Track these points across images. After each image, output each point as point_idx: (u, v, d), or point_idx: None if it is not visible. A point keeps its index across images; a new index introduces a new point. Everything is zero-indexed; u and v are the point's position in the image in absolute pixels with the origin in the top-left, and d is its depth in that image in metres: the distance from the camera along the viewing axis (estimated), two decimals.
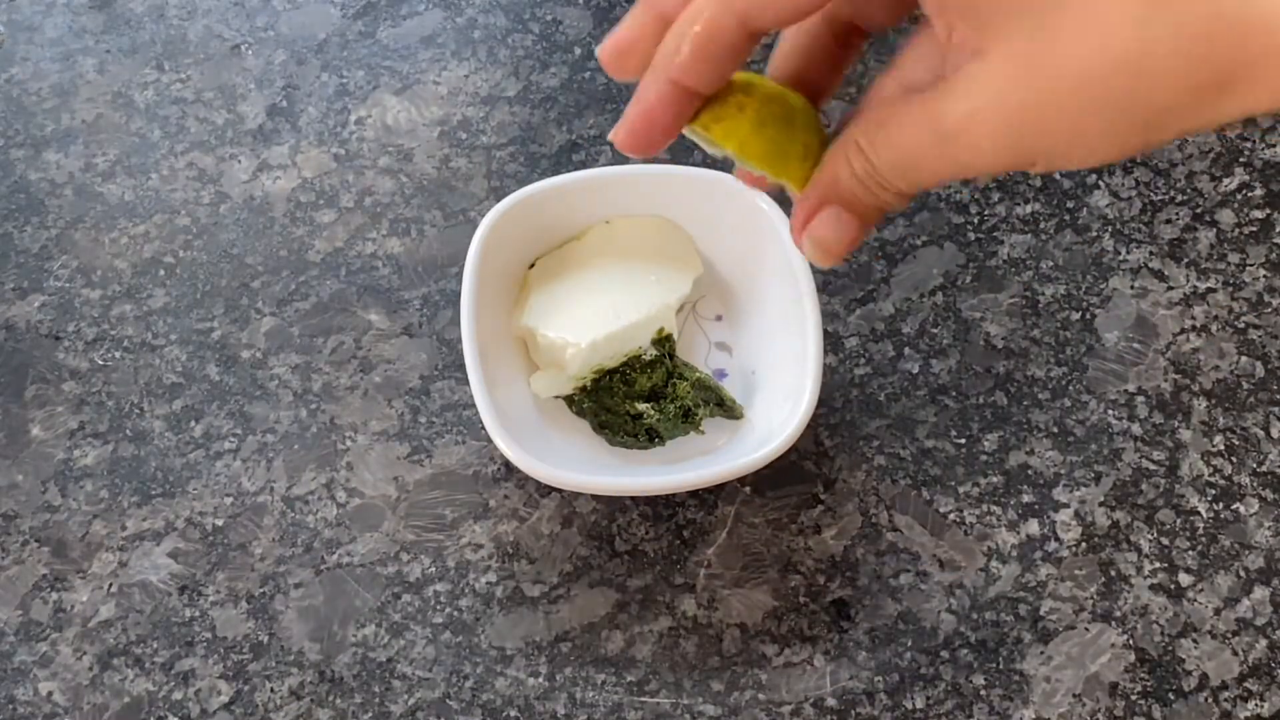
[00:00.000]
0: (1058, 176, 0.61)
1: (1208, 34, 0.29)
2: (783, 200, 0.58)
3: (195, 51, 0.67)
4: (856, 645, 0.50)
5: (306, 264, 0.59)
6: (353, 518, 0.53)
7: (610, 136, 0.34)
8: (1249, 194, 0.60)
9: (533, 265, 0.56)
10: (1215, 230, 0.59)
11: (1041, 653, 0.49)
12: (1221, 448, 0.54)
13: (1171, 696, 0.48)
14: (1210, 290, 0.58)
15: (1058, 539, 0.52)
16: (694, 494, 0.53)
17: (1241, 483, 0.53)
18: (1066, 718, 0.48)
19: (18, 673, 0.50)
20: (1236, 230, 0.59)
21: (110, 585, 0.52)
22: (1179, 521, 0.52)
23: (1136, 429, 0.54)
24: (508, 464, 0.53)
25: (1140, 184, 0.61)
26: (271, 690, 0.49)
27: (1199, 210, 0.60)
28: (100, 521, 0.53)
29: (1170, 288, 0.58)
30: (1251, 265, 0.58)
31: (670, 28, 0.32)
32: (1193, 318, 0.57)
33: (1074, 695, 0.48)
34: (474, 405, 0.51)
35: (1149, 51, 0.28)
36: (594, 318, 0.53)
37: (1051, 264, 0.58)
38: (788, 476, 0.53)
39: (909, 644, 0.50)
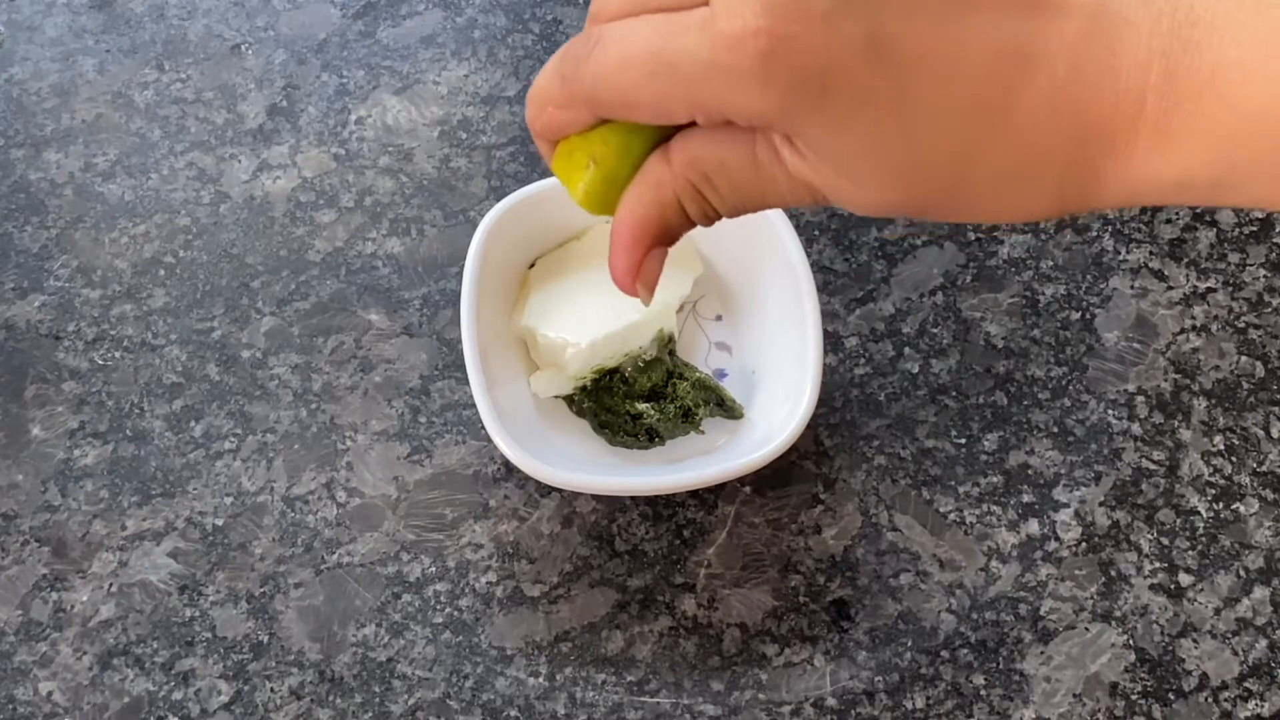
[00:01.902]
0: None
1: (1059, 209, 0.30)
2: None
3: (195, 51, 0.67)
4: (856, 645, 0.50)
5: (306, 264, 0.59)
6: (353, 518, 0.53)
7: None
8: None
9: (533, 265, 0.56)
10: (1215, 230, 0.59)
11: (1041, 653, 0.49)
12: (1221, 448, 0.54)
13: (1171, 696, 0.48)
14: (1210, 290, 0.58)
15: (1058, 539, 0.52)
16: (694, 494, 0.53)
17: (1241, 483, 0.53)
18: (1066, 718, 0.48)
19: (18, 673, 0.50)
20: (1236, 230, 0.59)
21: (110, 585, 0.52)
22: (1179, 521, 0.52)
23: (1136, 429, 0.54)
24: (508, 464, 0.53)
25: None
26: (271, 690, 0.49)
27: (1199, 210, 0.60)
28: (100, 521, 0.53)
29: (1170, 288, 0.58)
30: (1251, 265, 0.58)
31: (542, 76, 0.33)
32: (1193, 317, 0.57)
33: (1074, 695, 0.48)
34: (474, 405, 0.51)
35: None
36: (594, 318, 0.53)
37: (1051, 264, 0.58)
38: (788, 476, 0.53)
39: (909, 644, 0.50)
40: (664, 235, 0.33)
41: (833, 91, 0.28)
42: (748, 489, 0.53)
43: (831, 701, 0.49)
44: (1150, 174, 0.29)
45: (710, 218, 0.33)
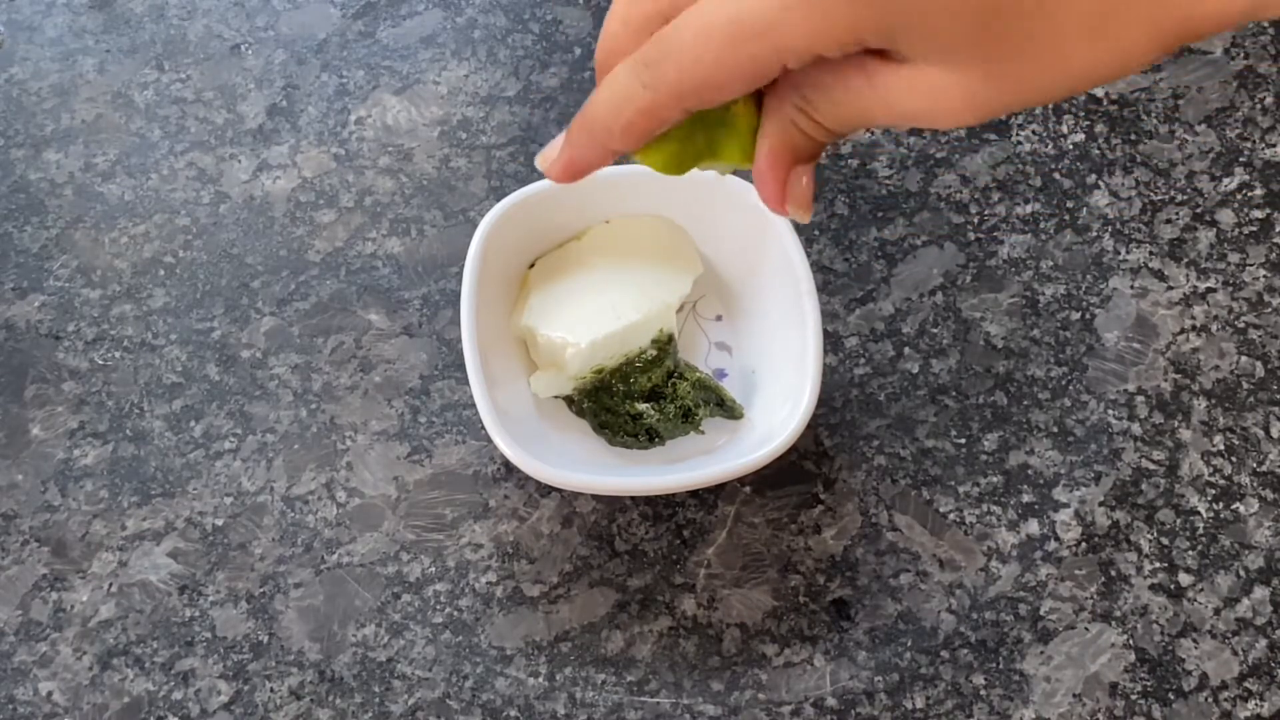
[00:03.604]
0: (1057, 177, 0.61)
1: (1160, 46, 0.29)
2: None
3: (195, 51, 0.67)
4: (856, 645, 0.50)
5: (306, 264, 0.60)
6: (353, 518, 0.53)
7: (540, 165, 0.36)
8: (1249, 194, 0.60)
9: (533, 265, 0.56)
10: (1215, 230, 0.59)
11: (1041, 653, 0.49)
12: (1221, 448, 0.54)
13: (1171, 696, 0.48)
14: (1210, 290, 0.58)
15: (1058, 539, 0.52)
16: (694, 494, 0.53)
17: (1241, 483, 0.53)
18: (1066, 718, 0.48)
19: (18, 673, 0.50)
20: (1236, 230, 0.59)
21: (110, 585, 0.52)
22: (1179, 521, 0.52)
23: (1136, 429, 0.54)
24: (508, 464, 0.53)
25: (1140, 184, 0.61)
26: (271, 690, 0.49)
27: (1199, 210, 0.60)
28: (100, 521, 0.53)
29: (1170, 288, 0.58)
30: (1251, 265, 0.58)
31: (609, 90, 0.33)
32: (1193, 318, 0.57)
33: (1074, 695, 0.48)
34: (474, 405, 0.51)
35: (1100, 73, 0.30)
36: (594, 318, 0.53)
37: (1051, 264, 0.58)
38: (788, 476, 0.53)
39: (909, 644, 0.50)
40: (796, 154, 0.34)
41: None
42: (748, 489, 0.53)
43: (831, 701, 0.49)
44: None
45: (828, 134, 0.33)
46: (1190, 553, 0.51)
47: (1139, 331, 0.57)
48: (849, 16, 0.29)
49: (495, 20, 0.67)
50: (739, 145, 0.35)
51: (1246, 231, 0.59)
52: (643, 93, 0.32)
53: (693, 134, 0.34)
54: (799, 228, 0.56)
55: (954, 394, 0.55)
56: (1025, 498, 0.53)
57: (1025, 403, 0.55)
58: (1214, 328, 0.57)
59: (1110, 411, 0.55)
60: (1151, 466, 0.53)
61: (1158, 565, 0.51)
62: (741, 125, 0.35)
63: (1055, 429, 0.54)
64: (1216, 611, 0.50)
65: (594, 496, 0.53)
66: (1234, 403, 0.55)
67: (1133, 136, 0.62)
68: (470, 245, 0.53)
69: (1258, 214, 0.60)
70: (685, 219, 0.56)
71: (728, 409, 0.53)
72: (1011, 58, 0.29)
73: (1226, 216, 0.60)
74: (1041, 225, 0.60)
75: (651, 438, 0.53)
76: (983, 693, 0.49)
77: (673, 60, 0.31)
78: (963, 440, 0.54)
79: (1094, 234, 0.59)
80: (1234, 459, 0.53)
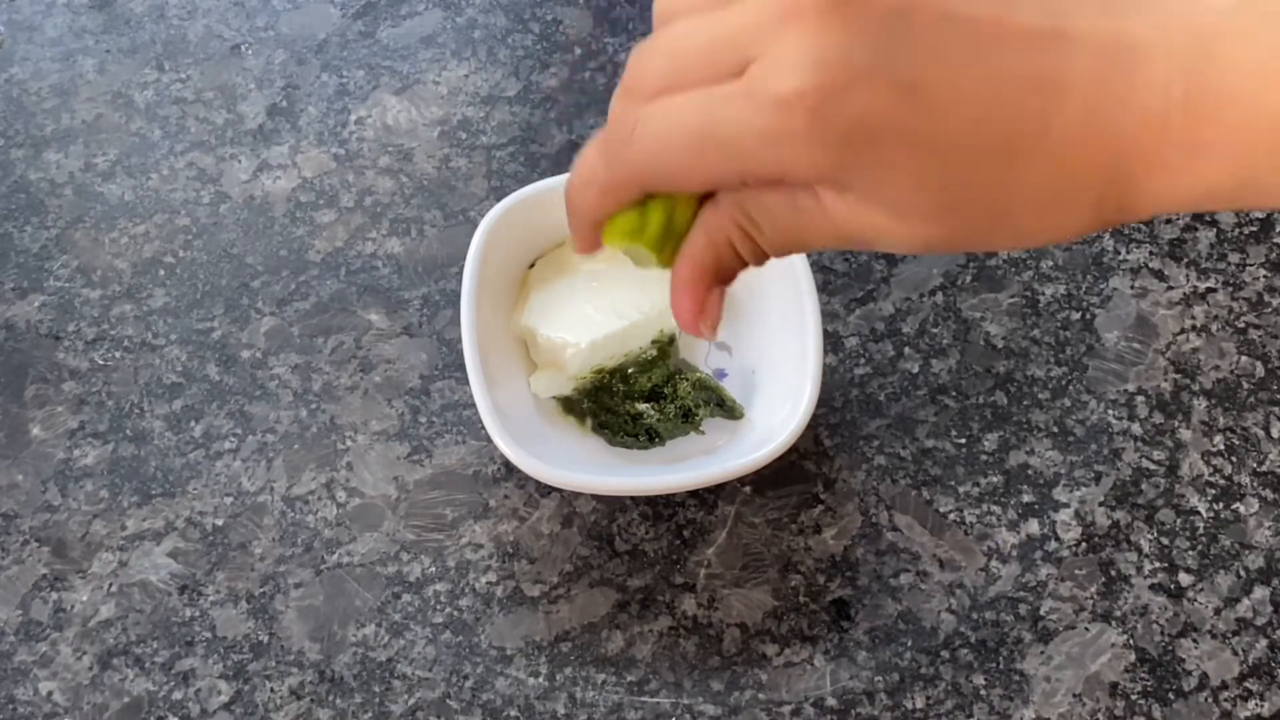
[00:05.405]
0: None
1: (1099, 224, 0.31)
2: None
3: (195, 51, 0.67)
4: (856, 645, 0.50)
5: (306, 264, 0.60)
6: (353, 518, 0.53)
7: (578, 252, 0.36)
8: None
9: (533, 265, 0.56)
10: (1215, 230, 0.59)
11: (1041, 653, 0.49)
12: (1221, 448, 0.54)
13: (1171, 696, 0.48)
14: (1210, 290, 0.58)
15: (1058, 539, 0.52)
16: (694, 494, 0.53)
17: (1241, 483, 0.53)
18: (1066, 718, 0.48)
19: (18, 673, 0.50)
20: (1236, 230, 0.59)
21: (110, 585, 0.52)
22: (1179, 521, 0.52)
23: (1136, 429, 0.54)
24: (508, 464, 0.53)
25: None
26: (271, 690, 0.49)
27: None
28: (100, 521, 0.53)
29: (1170, 287, 0.58)
30: (1251, 265, 0.58)
31: (584, 169, 0.34)
32: (1193, 317, 0.57)
33: (1074, 695, 0.48)
34: (474, 405, 0.51)
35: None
36: (594, 318, 0.53)
37: (1051, 264, 0.58)
38: (788, 476, 0.53)
39: (909, 644, 0.50)
40: (721, 275, 0.35)
41: (879, 140, 0.29)
42: (748, 489, 0.53)
43: (831, 701, 0.49)
44: (1180, 185, 0.30)
45: (760, 257, 0.34)
46: (1190, 553, 0.51)
47: (1139, 331, 0.57)
48: (817, 160, 0.29)
49: (495, 20, 0.67)
50: (658, 235, 0.34)
51: (1246, 231, 0.59)
52: (605, 171, 0.33)
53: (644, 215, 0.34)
54: None
55: (954, 394, 0.55)
56: (1025, 498, 0.53)
57: (1025, 403, 0.55)
58: (1214, 328, 0.57)
59: (1110, 411, 0.55)
60: (1151, 466, 0.53)
61: (1158, 565, 0.51)
62: (660, 217, 0.33)
63: (1055, 429, 0.54)
64: (1216, 611, 0.50)
65: (594, 496, 0.53)
66: (1234, 403, 0.55)
67: None
68: (470, 245, 0.53)
69: (1258, 214, 0.60)
70: None
71: (728, 409, 0.53)
72: (963, 220, 0.31)
73: (1226, 216, 0.60)
74: None
75: (651, 438, 0.53)
76: (983, 693, 0.49)
77: (637, 151, 0.32)
78: (963, 440, 0.54)
79: (1094, 233, 0.59)
80: (1234, 459, 0.53)
